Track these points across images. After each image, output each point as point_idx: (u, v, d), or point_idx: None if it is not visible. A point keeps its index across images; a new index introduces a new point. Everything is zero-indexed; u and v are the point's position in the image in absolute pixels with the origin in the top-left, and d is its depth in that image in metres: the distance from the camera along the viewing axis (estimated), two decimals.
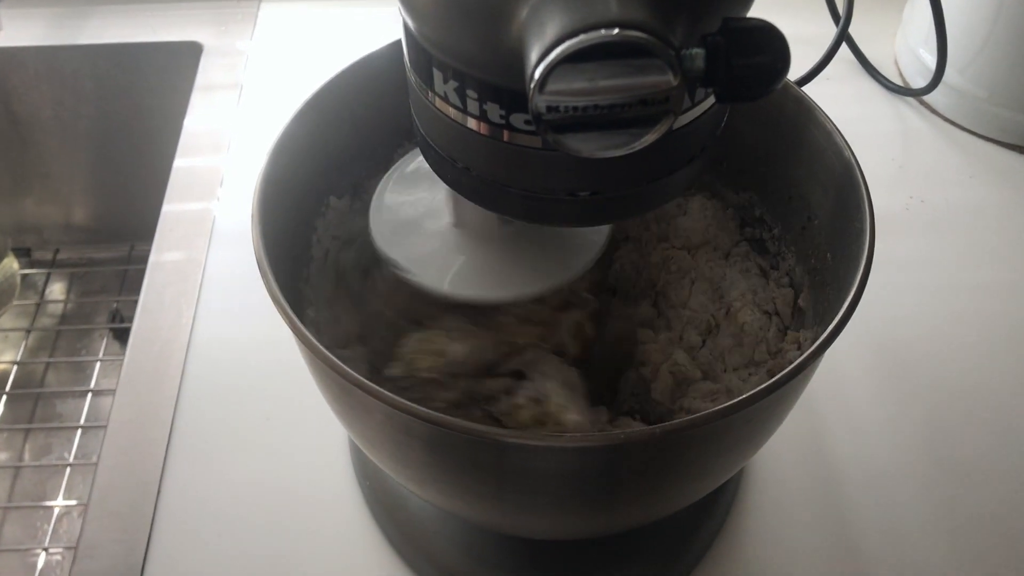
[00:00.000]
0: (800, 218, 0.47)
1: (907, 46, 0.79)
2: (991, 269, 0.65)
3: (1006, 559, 0.51)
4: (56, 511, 0.73)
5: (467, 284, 0.42)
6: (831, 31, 0.71)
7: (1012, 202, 0.70)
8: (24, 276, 0.89)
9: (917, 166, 0.73)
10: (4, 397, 0.80)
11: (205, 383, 0.57)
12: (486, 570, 0.50)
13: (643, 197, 0.33)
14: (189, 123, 0.75)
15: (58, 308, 0.88)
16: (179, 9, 0.85)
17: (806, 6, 0.78)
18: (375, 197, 0.45)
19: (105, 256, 0.92)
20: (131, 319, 0.61)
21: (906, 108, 0.77)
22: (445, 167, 0.34)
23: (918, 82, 0.76)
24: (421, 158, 0.46)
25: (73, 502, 0.73)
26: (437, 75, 0.31)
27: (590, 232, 0.44)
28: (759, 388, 0.34)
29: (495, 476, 0.37)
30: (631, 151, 0.27)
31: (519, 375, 0.47)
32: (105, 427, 0.55)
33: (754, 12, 0.31)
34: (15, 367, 0.82)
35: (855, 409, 0.57)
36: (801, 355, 0.35)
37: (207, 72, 0.80)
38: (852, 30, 0.75)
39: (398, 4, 0.32)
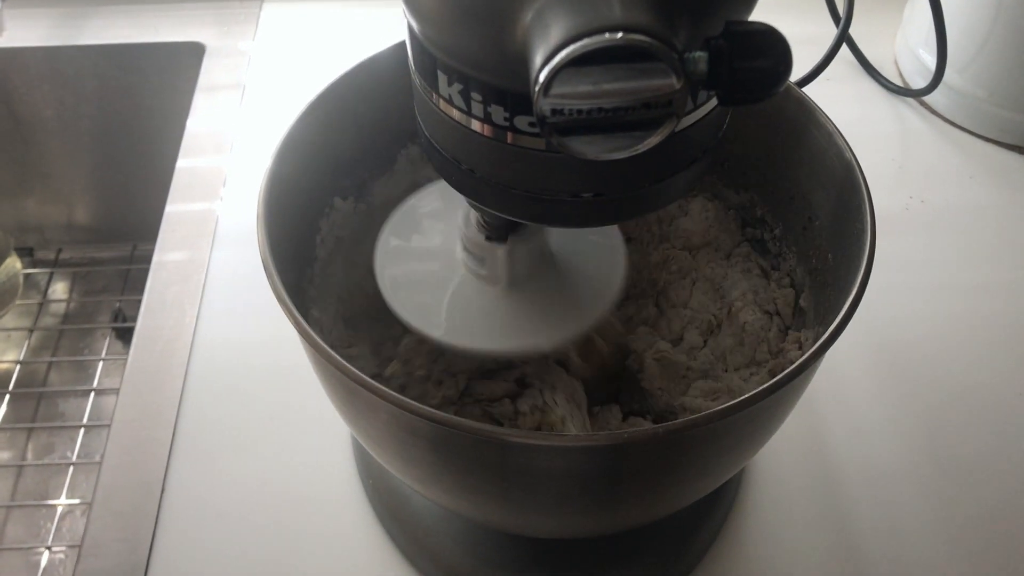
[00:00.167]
0: (801, 219, 0.48)
1: (907, 47, 0.79)
2: (991, 269, 0.65)
3: (1006, 559, 0.51)
4: (59, 510, 0.73)
5: (479, 335, 0.42)
6: (831, 32, 0.71)
7: (1012, 202, 0.70)
8: (27, 276, 0.90)
9: (917, 166, 0.73)
10: (7, 396, 0.80)
11: (208, 383, 0.58)
12: (489, 569, 0.50)
13: (646, 198, 0.33)
14: (192, 123, 0.75)
15: (60, 307, 0.89)
16: (181, 9, 0.86)
17: (806, 7, 0.79)
18: (380, 242, 0.44)
19: (107, 256, 0.93)
20: (133, 318, 0.61)
21: (906, 108, 0.78)
22: (449, 169, 0.35)
23: (918, 82, 0.77)
24: (427, 199, 0.45)
25: (76, 501, 0.73)
26: (442, 78, 0.32)
27: (604, 279, 0.43)
28: (760, 388, 0.34)
29: (499, 475, 0.37)
30: (635, 153, 0.27)
31: (522, 382, 0.47)
32: (109, 426, 0.55)
33: (754, 14, 0.31)
34: (18, 366, 0.82)
35: (855, 409, 0.57)
36: (803, 355, 0.35)
37: (209, 72, 0.80)
38: (852, 31, 0.75)
39: (403, 7, 0.32)
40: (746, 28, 0.27)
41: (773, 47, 0.27)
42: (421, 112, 0.35)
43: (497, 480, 0.37)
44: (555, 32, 0.26)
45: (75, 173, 0.91)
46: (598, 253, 0.45)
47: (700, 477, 0.40)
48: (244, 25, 0.85)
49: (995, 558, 0.51)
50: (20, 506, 0.74)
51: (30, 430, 0.79)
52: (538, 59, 0.26)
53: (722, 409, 0.34)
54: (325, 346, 0.35)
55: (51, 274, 0.91)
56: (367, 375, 0.34)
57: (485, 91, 0.31)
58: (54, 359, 0.84)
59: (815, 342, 0.36)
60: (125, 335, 0.86)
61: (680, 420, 0.34)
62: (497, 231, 0.40)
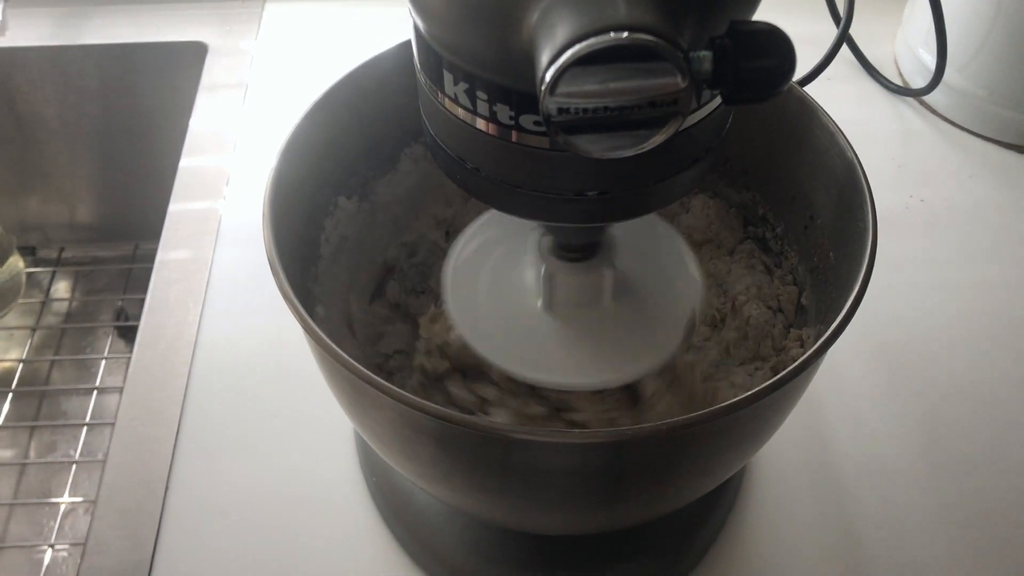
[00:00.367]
0: (802, 217, 0.48)
1: (907, 46, 0.79)
2: (990, 267, 0.66)
3: (1006, 558, 0.51)
4: (62, 508, 0.73)
5: (551, 370, 0.42)
6: (832, 32, 0.71)
7: (1011, 201, 0.70)
8: (29, 274, 0.90)
9: (917, 166, 0.73)
10: (10, 395, 0.80)
11: (212, 381, 0.58)
12: (491, 566, 0.50)
13: (650, 197, 0.34)
14: (194, 123, 0.75)
15: (63, 306, 0.89)
16: (183, 9, 0.86)
17: (807, 7, 0.79)
18: (448, 274, 0.45)
19: (110, 255, 0.93)
20: (136, 317, 0.62)
21: (906, 108, 0.78)
22: (454, 167, 0.35)
23: (918, 82, 0.77)
24: (486, 228, 0.45)
25: (79, 499, 0.74)
26: (447, 76, 0.32)
27: (668, 329, 0.43)
28: (763, 385, 0.34)
29: (503, 472, 0.37)
30: (639, 152, 0.28)
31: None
32: (112, 425, 0.55)
33: (756, 14, 0.32)
34: (20, 365, 0.82)
35: (856, 406, 0.57)
36: (804, 353, 0.36)
37: (212, 72, 0.80)
38: (852, 31, 0.76)
39: (408, 6, 0.32)
40: (750, 27, 0.28)
41: (777, 46, 0.28)
42: (426, 111, 0.35)
43: (501, 476, 0.37)
44: (561, 32, 0.26)
45: (77, 172, 0.91)
46: (671, 288, 0.45)
47: (703, 474, 0.40)
48: (246, 24, 0.85)
49: (995, 557, 0.51)
50: (23, 504, 0.74)
51: (32, 428, 0.79)
52: (544, 58, 0.26)
53: (725, 407, 0.34)
54: (331, 344, 0.35)
55: (53, 273, 0.91)
56: (372, 372, 0.34)
57: (491, 90, 0.31)
58: (56, 358, 0.84)
59: (817, 340, 0.36)
60: (127, 334, 0.86)
61: (683, 417, 0.34)
62: (572, 253, 0.41)
